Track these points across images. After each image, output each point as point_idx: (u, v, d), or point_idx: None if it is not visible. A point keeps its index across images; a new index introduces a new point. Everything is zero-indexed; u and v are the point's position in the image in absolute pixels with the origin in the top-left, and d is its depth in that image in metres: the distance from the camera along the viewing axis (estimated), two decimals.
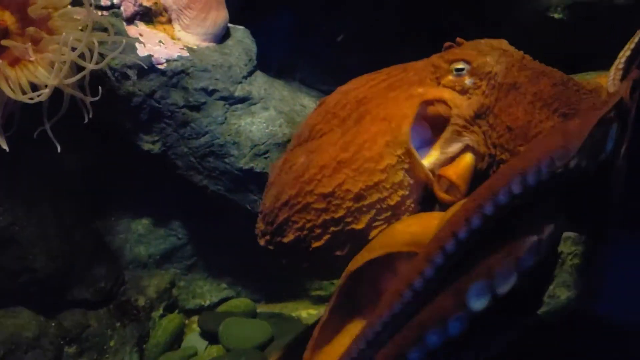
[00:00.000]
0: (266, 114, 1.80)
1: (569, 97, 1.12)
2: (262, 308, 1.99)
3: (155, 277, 1.89)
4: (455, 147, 1.17)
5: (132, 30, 1.75)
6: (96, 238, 1.78)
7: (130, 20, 1.76)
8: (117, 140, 1.83)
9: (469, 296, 0.79)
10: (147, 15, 1.80)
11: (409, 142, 1.14)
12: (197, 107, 1.76)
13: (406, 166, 1.14)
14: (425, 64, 1.22)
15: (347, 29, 2.31)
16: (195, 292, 2.02)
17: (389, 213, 1.13)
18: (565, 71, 1.21)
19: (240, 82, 1.81)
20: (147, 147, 1.80)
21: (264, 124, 1.78)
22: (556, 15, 1.61)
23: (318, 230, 1.15)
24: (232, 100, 1.78)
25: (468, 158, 1.15)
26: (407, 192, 1.14)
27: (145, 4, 1.78)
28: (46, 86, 1.44)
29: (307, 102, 1.99)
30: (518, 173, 0.82)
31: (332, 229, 1.14)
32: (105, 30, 1.64)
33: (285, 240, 1.19)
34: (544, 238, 0.83)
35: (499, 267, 0.80)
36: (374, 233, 1.14)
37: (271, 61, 2.22)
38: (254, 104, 1.81)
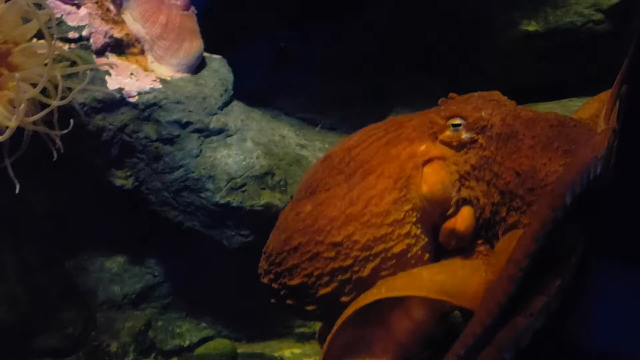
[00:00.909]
0: (243, 145, 1.74)
1: (568, 134, 1.13)
2: (243, 348, 1.90)
3: (129, 319, 1.81)
4: (456, 200, 1.22)
5: (103, 62, 1.68)
6: (65, 280, 1.70)
7: (100, 53, 1.70)
8: (88, 176, 1.76)
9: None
10: (119, 47, 1.74)
11: (422, 202, 1.21)
12: (170, 140, 1.69)
13: (414, 219, 1.21)
14: (422, 120, 1.27)
15: (328, 56, 2.28)
16: (174, 332, 1.93)
17: (393, 261, 1.20)
18: (547, 97, 1.19)
19: (216, 114, 1.75)
20: (119, 182, 1.73)
21: (241, 156, 1.71)
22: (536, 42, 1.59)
23: (326, 278, 1.22)
24: (207, 132, 1.72)
25: (467, 211, 1.20)
26: (413, 241, 1.21)
27: (117, 35, 1.72)
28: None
29: (286, 132, 1.93)
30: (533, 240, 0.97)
31: (340, 277, 1.21)
32: (73, 63, 1.58)
33: (291, 283, 1.26)
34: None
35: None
36: (378, 281, 1.20)
37: (250, 89, 2.17)
38: (230, 135, 1.74)
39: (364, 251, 1.20)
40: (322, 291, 1.23)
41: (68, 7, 1.66)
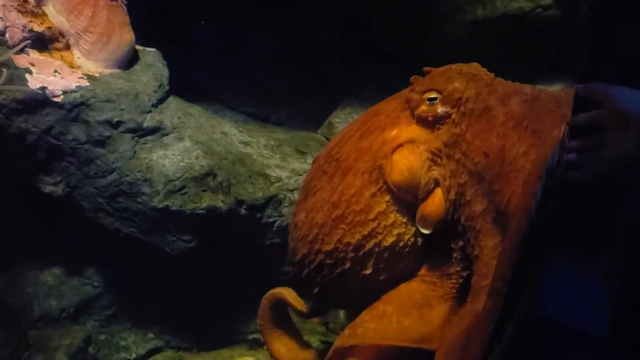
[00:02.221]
0: (181, 145, 1.63)
1: (538, 111, 1.09)
2: (193, 358, 1.81)
3: (67, 335, 1.68)
4: (426, 181, 1.21)
5: (22, 59, 1.55)
6: None
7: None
8: (15, 183, 1.63)
9: None
10: (41, 42, 1.61)
11: (395, 190, 1.20)
12: (101, 142, 1.57)
13: (397, 207, 1.21)
14: (397, 103, 1.27)
15: (274, 47, 2.18)
16: (119, 345, 1.81)
17: (386, 254, 1.22)
18: None
19: (150, 111, 1.63)
20: (48, 189, 1.60)
21: (179, 157, 1.60)
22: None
23: (336, 283, 1.26)
24: (140, 132, 1.61)
25: (437, 193, 1.19)
26: (402, 230, 1.21)
27: (37, 29, 1.59)
28: None
29: (228, 129, 1.82)
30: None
31: (346, 278, 1.25)
32: None
33: (314, 291, 1.33)
34: None
35: None
36: (381, 276, 1.24)
37: (192, 83, 2.07)
38: (167, 134, 1.63)
39: (357, 251, 1.22)
40: (337, 292, 1.30)
41: None
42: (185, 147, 1.62)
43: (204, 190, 1.60)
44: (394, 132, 1.22)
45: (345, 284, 1.26)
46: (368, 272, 1.23)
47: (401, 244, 1.22)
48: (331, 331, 1.75)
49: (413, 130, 1.21)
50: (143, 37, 1.82)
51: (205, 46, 2.20)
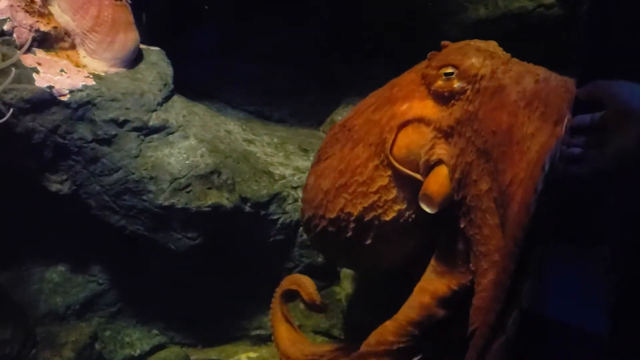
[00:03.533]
0: (186, 143, 1.64)
1: (548, 95, 1.10)
2: (197, 354, 1.82)
3: (73, 332, 1.69)
4: (430, 163, 1.20)
5: (29, 59, 1.56)
6: (0, 295, 1.58)
7: (26, 48, 1.56)
8: (22, 181, 1.64)
9: None
10: (47, 41, 1.61)
11: (395, 163, 1.20)
12: (107, 141, 1.58)
13: (399, 183, 1.21)
14: (413, 77, 1.26)
15: (274, 44, 2.19)
16: (124, 342, 1.83)
17: (387, 228, 1.23)
18: None
19: (155, 110, 1.64)
20: (55, 187, 1.61)
21: (184, 155, 1.62)
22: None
23: (341, 247, 1.31)
24: (146, 131, 1.62)
25: (439, 173, 1.18)
26: (404, 206, 1.22)
27: (43, 28, 1.60)
28: None
29: (232, 127, 1.84)
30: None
31: (349, 245, 1.28)
32: None
33: (321, 251, 1.49)
34: None
35: None
36: (383, 247, 1.27)
37: (194, 81, 2.08)
38: (172, 133, 1.64)
39: (359, 222, 1.24)
40: (345, 256, 1.38)
41: None
42: (190, 146, 1.63)
43: (209, 188, 1.61)
44: (405, 107, 1.22)
45: (349, 250, 1.30)
46: (368, 242, 1.25)
47: (402, 220, 1.23)
48: (334, 328, 1.77)
49: (425, 106, 1.21)
50: (145, 35, 1.83)
51: (206, 44, 2.21)
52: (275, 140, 1.90)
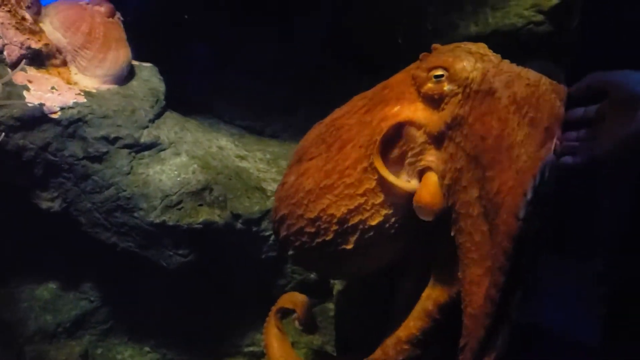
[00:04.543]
0: (177, 160, 1.63)
1: (538, 100, 1.09)
2: None
3: (64, 350, 1.68)
4: (418, 168, 1.19)
5: (20, 76, 1.55)
6: None
7: (16, 66, 1.56)
8: (12, 198, 1.63)
9: None
10: (38, 59, 1.61)
11: (381, 167, 1.17)
12: (98, 158, 1.58)
13: (386, 187, 1.18)
14: (403, 78, 1.24)
15: (265, 59, 2.19)
16: (116, 359, 1.81)
17: (371, 233, 1.19)
18: None
19: (147, 127, 1.64)
20: (45, 205, 1.60)
21: (175, 172, 1.61)
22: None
23: (314, 252, 1.25)
24: (137, 148, 1.61)
25: (429, 181, 1.16)
26: (390, 211, 1.18)
27: (34, 46, 1.59)
28: None
29: (224, 143, 1.83)
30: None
31: (326, 250, 1.23)
32: None
33: (289, 253, 1.31)
34: None
35: None
36: (362, 252, 1.22)
37: (187, 95, 2.08)
38: (163, 149, 1.64)
39: (342, 225, 1.20)
40: (315, 263, 1.31)
41: None
42: (182, 162, 1.63)
43: (201, 205, 1.61)
44: (395, 109, 1.19)
45: (322, 253, 1.24)
46: (349, 247, 1.21)
47: (387, 225, 1.19)
48: (328, 344, 1.76)
49: (416, 109, 1.18)
50: (137, 51, 1.83)
51: (197, 59, 2.21)
52: (268, 156, 1.90)
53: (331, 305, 1.79)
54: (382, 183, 1.17)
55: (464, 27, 1.53)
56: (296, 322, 1.51)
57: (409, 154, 1.19)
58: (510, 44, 1.45)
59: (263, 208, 1.70)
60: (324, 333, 1.77)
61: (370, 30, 1.94)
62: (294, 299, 1.48)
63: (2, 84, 1.42)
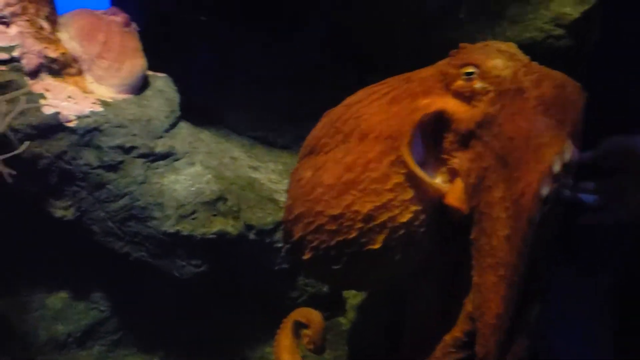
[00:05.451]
0: (192, 170, 1.64)
1: (564, 101, 1.09)
2: None
3: None
4: (446, 164, 1.17)
5: (37, 85, 1.56)
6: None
7: (34, 74, 1.57)
8: (24, 206, 1.63)
9: None
10: (55, 67, 1.62)
11: (410, 161, 1.12)
12: (113, 167, 1.58)
13: (415, 182, 1.13)
14: (432, 72, 1.21)
15: (275, 68, 2.19)
16: None
17: (402, 231, 1.14)
18: None
19: (162, 137, 1.65)
20: (59, 213, 1.60)
21: (190, 182, 1.61)
22: None
23: (333, 252, 1.17)
24: (152, 157, 1.61)
25: (459, 183, 1.15)
26: (420, 207, 1.14)
27: (51, 55, 1.60)
28: None
29: (237, 154, 1.84)
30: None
31: (348, 250, 1.16)
32: (3, 87, 1.46)
33: (304, 257, 1.22)
34: None
35: None
36: (390, 254, 1.15)
37: (196, 105, 2.08)
38: (178, 159, 1.64)
39: (367, 222, 1.13)
40: (334, 266, 1.19)
41: None
42: (196, 172, 1.63)
43: (215, 215, 1.61)
44: (426, 101, 1.17)
45: (343, 254, 1.17)
46: (376, 247, 1.15)
47: (417, 222, 1.15)
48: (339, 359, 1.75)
49: (447, 103, 1.16)
50: (150, 61, 1.83)
51: (207, 69, 2.22)
52: (280, 167, 1.90)
53: (343, 320, 1.78)
54: (411, 177, 1.13)
55: (482, 41, 1.53)
56: (306, 339, 1.49)
57: (438, 148, 1.17)
58: (530, 59, 1.45)
59: (276, 219, 1.70)
60: (335, 348, 1.76)
61: (384, 42, 1.95)
62: (309, 316, 1.47)
63: (23, 95, 1.42)
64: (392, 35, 1.86)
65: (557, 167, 1.03)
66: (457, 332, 1.18)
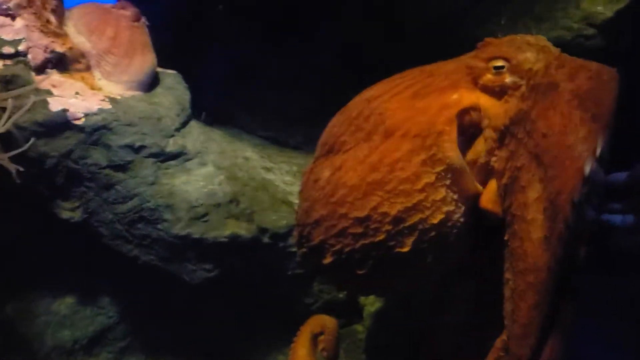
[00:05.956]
0: (204, 170, 1.57)
1: (599, 93, 1.03)
2: None
3: None
4: (479, 164, 1.13)
5: (44, 81, 1.50)
6: (5, 327, 1.50)
7: (40, 70, 1.51)
8: (30, 208, 1.57)
9: None
10: (62, 63, 1.56)
11: (457, 159, 1.08)
12: (122, 167, 1.52)
13: (448, 182, 1.09)
14: (457, 66, 1.16)
15: (286, 69, 2.14)
16: None
17: (433, 233, 1.09)
18: None
19: (173, 136, 1.58)
20: (66, 214, 1.54)
21: (202, 183, 1.55)
22: None
23: (358, 256, 1.11)
24: (163, 157, 1.55)
25: (493, 183, 1.11)
26: (452, 208, 1.09)
27: (59, 49, 1.54)
28: None
29: (250, 154, 1.77)
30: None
31: (373, 253, 1.11)
32: (8, 82, 1.40)
33: (325, 262, 1.15)
34: None
35: None
36: (420, 257, 1.10)
37: (207, 106, 2.02)
38: (189, 159, 1.58)
39: (396, 224, 1.08)
40: (358, 271, 1.13)
41: (1, 19, 1.47)
42: (208, 173, 1.57)
43: (227, 218, 1.54)
44: (455, 96, 1.11)
45: (368, 257, 1.11)
46: (405, 250, 1.09)
47: (449, 223, 1.10)
48: None
49: (478, 96, 1.11)
50: (160, 58, 1.77)
51: (220, 69, 2.17)
52: (294, 168, 1.84)
53: (359, 327, 1.72)
54: (456, 178, 1.08)
55: None
56: (321, 345, 1.43)
57: (467, 146, 1.13)
58: None
59: (290, 222, 1.63)
60: (351, 356, 1.69)
61: (402, 43, 1.89)
62: (324, 323, 1.41)
63: (30, 92, 1.36)
64: (423, 51, 1.81)
65: (589, 166, 0.97)
66: (505, 335, 1.11)
